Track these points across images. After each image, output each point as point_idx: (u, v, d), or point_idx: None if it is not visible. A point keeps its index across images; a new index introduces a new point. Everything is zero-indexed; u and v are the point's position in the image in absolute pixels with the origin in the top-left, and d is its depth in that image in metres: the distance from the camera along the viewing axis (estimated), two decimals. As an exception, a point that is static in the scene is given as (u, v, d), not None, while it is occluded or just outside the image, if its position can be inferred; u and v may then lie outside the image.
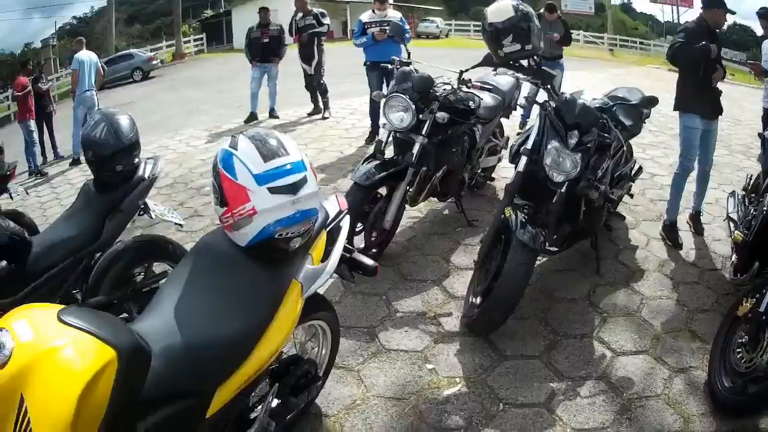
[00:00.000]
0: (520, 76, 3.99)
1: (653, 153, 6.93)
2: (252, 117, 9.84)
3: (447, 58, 7.28)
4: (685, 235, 4.65)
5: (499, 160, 5.36)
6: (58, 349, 1.48)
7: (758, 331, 2.76)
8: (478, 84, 4.46)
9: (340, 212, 2.39)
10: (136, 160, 3.34)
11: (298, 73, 9.63)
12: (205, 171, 6.62)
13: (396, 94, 4.08)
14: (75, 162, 9.12)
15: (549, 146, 3.27)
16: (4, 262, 2.81)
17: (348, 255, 2.38)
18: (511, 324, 3.34)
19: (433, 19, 34.94)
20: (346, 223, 2.40)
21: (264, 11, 9.88)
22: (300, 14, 9.35)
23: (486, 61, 3.91)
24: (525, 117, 7.33)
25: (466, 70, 4.39)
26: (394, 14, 7.25)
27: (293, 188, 1.93)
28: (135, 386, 1.61)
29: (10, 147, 5.69)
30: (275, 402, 2.30)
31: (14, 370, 1.44)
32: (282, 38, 9.80)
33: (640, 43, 31.08)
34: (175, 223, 3.71)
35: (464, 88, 4.31)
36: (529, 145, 3.37)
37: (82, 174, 7.92)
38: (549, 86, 3.53)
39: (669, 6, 35.06)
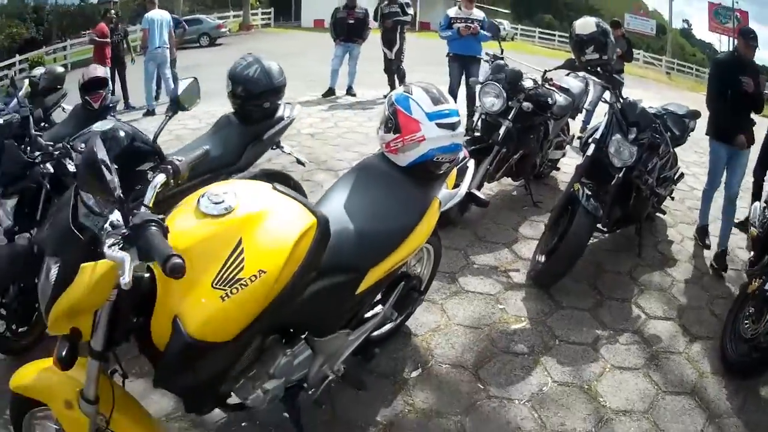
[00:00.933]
0: (595, 79, 4.77)
1: (695, 170, 7.39)
2: (330, 92, 10.42)
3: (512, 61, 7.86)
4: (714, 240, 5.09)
5: (564, 154, 6.06)
6: (275, 208, 1.90)
7: (762, 305, 3.39)
8: (557, 84, 5.17)
9: (465, 157, 3.03)
10: (279, 101, 3.88)
11: (376, 58, 10.21)
12: (291, 134, 7.28)
13: (491, 82, 4.81)
14: (148, 113, 9.63)
15: (613, 138, 4.00)
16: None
17: (468, 190, 3.05)
18: (567, 283, 4.02)
19: (501, 21, 34.68)
20: (471, 165, 3.11)
21: None
22: (386, 2, 9.91)
23: (567, 65, 4.83)
24: (585, 123, 7.79)
25: (550, 71, 5.16)
26: (478, 13, 7.74)
27: (452, 126, 2.62)
28: (320, 252, 2.01)
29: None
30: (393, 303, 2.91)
31: (238, 218, 1.81)
32: (366, 21, 10.22)
33: (696, 69, 31.04)
34: (300, 162, 4.22)
35: (546, 86, 5.02)
36: (597, 135, 4.13)
37: (152, 124, 8.43)
38: (617, 91, 4.30)
39: (726, 36, 34.87)
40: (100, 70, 5.07)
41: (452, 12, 7.79)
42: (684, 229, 5.41)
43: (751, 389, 3.31)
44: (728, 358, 3.45)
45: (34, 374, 1.97)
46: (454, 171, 2.92)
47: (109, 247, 1.60)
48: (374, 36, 10.39)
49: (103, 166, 1.67)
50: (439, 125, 2.57)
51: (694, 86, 25.22)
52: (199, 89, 3.61)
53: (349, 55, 10.36)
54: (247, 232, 1.80)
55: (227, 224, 1.79)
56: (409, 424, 2.77)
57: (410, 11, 10.03)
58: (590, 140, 4.22)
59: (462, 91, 7.59)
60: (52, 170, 3.20)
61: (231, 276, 1.75)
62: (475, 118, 5.10)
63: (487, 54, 5.69)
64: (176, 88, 3.54)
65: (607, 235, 4.67)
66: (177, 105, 3.47)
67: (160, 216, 1.66)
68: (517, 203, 5.50)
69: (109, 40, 10.55)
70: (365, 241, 2.27)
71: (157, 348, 1.85)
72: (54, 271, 1.75)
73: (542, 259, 4.09)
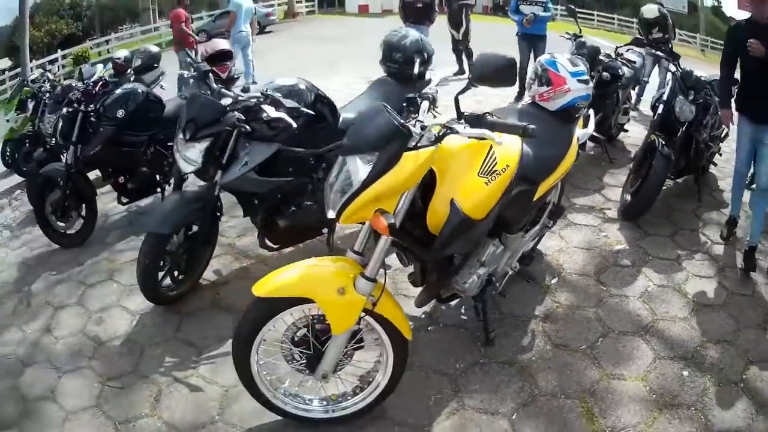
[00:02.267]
0: (660, 53, 5.80)
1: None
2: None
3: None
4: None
5: (629, 120, 6.81)
6: (495, 139, 2.31)
7: None
8: (626, 58, 6.03)
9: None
10: (430, 68, 4.42)
11: (443, 38, 10.61)
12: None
13: (576, 56, 5.57)
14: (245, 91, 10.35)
15: (677, 99, 4.83)
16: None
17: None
18: (648, 218, 4.85)
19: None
20: (591, 113, 3.99)
21: None
22: None
23: (635, 42, 5.85)
24: (639, 95, 8.23)
25: (620, 47, 6.12)
26: None
27: (587, 82, 3.55)
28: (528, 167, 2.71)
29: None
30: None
31: (483, 142, 2.36)
32: (433, 4, 10.39)
33: (730, 47, 30.59)
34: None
35: (619, 60, 5.85)
36: (664, 98, 4.95)
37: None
38: (677, 62, 5.17)
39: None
40: (223, 43, 5.80)
41: None
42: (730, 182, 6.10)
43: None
44: None
45: (292, 276, 2.33)
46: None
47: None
48: (440, 19, 10.82)
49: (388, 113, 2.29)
50: (579, 80, 3.47)
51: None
52: None
53: None
54: (493, 143, 2.39)
55: (484, 143, 2.44)
56: (560, 316, 3.57)
57: None
58: (658, 102, 5.01)
59: (531, 68, 8.20)
60: (243, 117, 3.50)
61: (490, 168, 2.44)
62: None
63: (567, 33, 6.49)
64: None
65: (673, 182, 5.46)
66: None
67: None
68: (596, 159, 6.25)
69: (187, 20, 11.09)
70: (538, 161, 2.83)
71: (423, 233, 2.46)
72: (359, 166, 2.20)
73: (628, 198, 4.88)
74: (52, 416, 3.12)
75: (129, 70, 7.92)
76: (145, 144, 5.05)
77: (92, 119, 4.88)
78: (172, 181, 5.27)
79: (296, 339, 2.48)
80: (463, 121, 2.36)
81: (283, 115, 3.32)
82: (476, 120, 2.30)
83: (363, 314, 2.34)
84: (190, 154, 3.50)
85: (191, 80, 4.66)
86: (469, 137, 2.31)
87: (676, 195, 5.56)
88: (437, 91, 3.51)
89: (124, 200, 5.23)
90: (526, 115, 3.35)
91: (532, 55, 8.36)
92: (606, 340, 3.30)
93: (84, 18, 32.78)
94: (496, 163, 2.47)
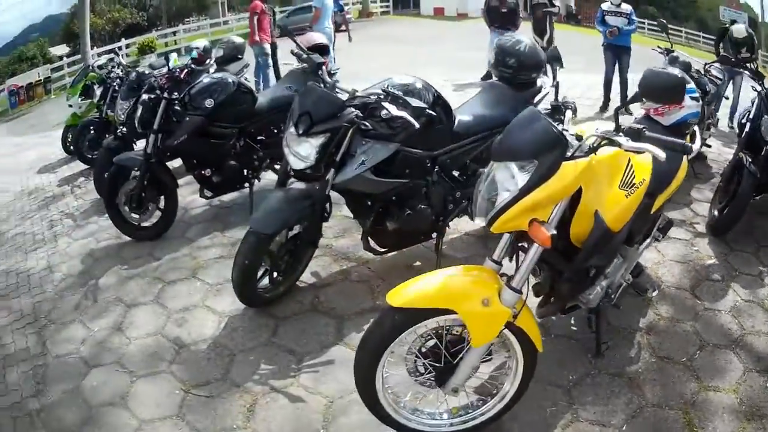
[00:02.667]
0: (747, 72, 6.07)
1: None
2: (488, 75, 10.91)
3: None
4: None
5: (710, 135, 6.76)
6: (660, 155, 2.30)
7: None
8: (713, 74, 6.42)
9: None
10: (541, 74, 4.50)
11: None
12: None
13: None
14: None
15: (764, 117, 4.82)
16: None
17: None
18: (734, 234, 4.76)
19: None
20: (696, 129, 4.14)
21: None
22: None
23: (723, 59, 6.58)
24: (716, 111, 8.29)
25: (709, 64, 6.56)
26: (626, 7, 8.71)
27: (698, 99, 4.11)
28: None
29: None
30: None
31: (623, 154, 2.49)
32: (517, 10, 10.87)
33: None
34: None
35: (706, 77, 6.20)
36: (751, 116, 4.99)
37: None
38: (762, 82, 5.20)
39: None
40: (319, 37, 5.81)
41: (605, 5, 8.87)
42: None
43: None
44: None
45: (432, 285, 2.36)
46: None
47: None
48: (524, 25, 11.08)
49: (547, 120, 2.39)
50: (691, 98, 3.87)
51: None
52: None
53: None
54: (632, 156, 2.56)
55: (620, 154, 2.52)
56: (662, 328, 3.63)
57: (557, 2, 10.81)
58: (744, 120, 5.16)
59: (616, 78, 8.84)
60: (360, 114, 3.54)
61: (629, 181, 2.56)
62: None
63: (659, 48, 6.80)
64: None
65: (757, 198, 5.28)
66: None
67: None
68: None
69: (263, 13, 11.25)
70: (656, 174, 2.84)
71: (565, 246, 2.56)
72: (515, 173, 2.27)
73: (716, 213, 4.87)
74: (121, 424, 3.09)
75: (208, 60, 8.20)
76: (235, 137, 5.11)
77: (176, 108, 4.96)
78: (260, 176, 5.41)
79: (424, 350, 2.52)
80: (622, 133, 2.39)
81: (405, 114, 3.35)
82: (636, 134, 2.34)
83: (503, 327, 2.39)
84: (302, 150, 3.51)
85: (300, 72, 4.69)
86: (629, 150, 2.35)
87: (758, 212, 5.42)
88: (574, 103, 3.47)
89: (208, 194, 5.27)
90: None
91: (616, 66, 8.85)
92: (702, 353, 3.43)
93: (149, 8, 34.03)
94: (634, 177, 2.60)
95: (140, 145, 6.69)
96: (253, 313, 3.85)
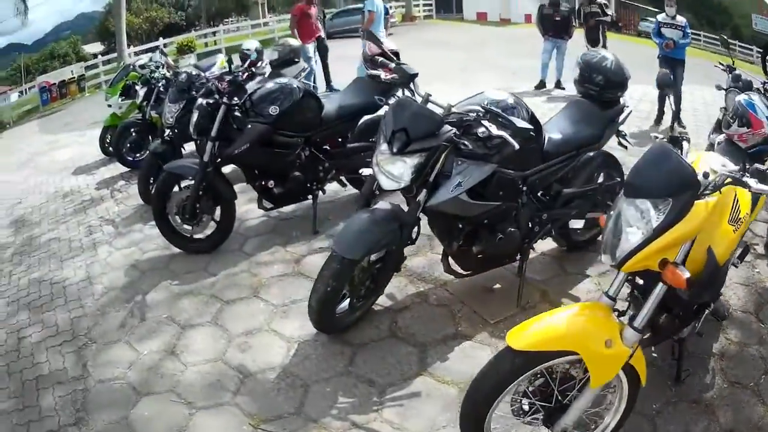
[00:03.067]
0: None
1: None
2: (541, 84, 11.45)
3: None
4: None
5: None
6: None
7: None
8: None
9: None
10: (625, 93, 4.36)
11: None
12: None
13: (734, 89, 5.94)
14: None
15: None
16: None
17: None
18: None
19: (653, 19, 35.25)
20: None
21: None
22: (586, 2, 11.13)
23: None
24: None
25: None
26: (680, 19, 8.87)
27: None
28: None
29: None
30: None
31: (731, 189, 2.51)
32: (571, 19, 11.35)
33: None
34: (624, 146, 4.50)
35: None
36: None
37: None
38: None
39: None
40: (389, 43, 5.56)
41: (661, 17, 9.05)
42: None
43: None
44: None
45: (555, 326, 2.38)
46: None
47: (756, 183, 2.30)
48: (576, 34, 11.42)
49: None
50: None
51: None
52: None
53: (557, 51, 11.41)
54: (738, 191, 2.58)
55: (728, 192, 2.49)
56: (732, 353, 3.52)
57: (609, 11, 11.18)
58: None
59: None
60: (457, 131, 3.38)
61: (735, 216, 2.59)
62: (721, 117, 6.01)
63: (721, 64, 6.75)
64: None
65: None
66: None
67: None
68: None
69: (308, 14, 11.16)
70: None
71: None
72: (650, 212, 2.28)
73: None
74: (181, 464, 2.85)
75: (260, 63, 8.06)
76: (300, 146, 4.92)
77: (236, 114, 4.76)
78: (325, 188, 5.26)
79: (531, 389, 2.49)
80: (748, 174, 2.42)
81: (504, 133, 3.22)
82: (762, 175, 2.40)
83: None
84: (395, 170, 3.32)
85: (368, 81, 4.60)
86: (757, 191, 2.38)
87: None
88: (687, 133, 3.51)
89: (268, 205, 5.07)
90: (728, 154, 3.39)
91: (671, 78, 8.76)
92: (766, 377, 3.37)
93: (188, 8, 34.53)
94: (739, 211, 2.63)
95: (188, 148, 6.60)
96: (326, 340, 3.65)
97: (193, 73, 6.49)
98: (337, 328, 3.66)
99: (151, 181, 5.95)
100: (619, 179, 4.36)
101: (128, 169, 7.90)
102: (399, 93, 5.07)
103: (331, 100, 5.28)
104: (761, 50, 7.31)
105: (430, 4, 33.74)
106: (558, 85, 11.45)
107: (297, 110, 4.78)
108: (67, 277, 4.99)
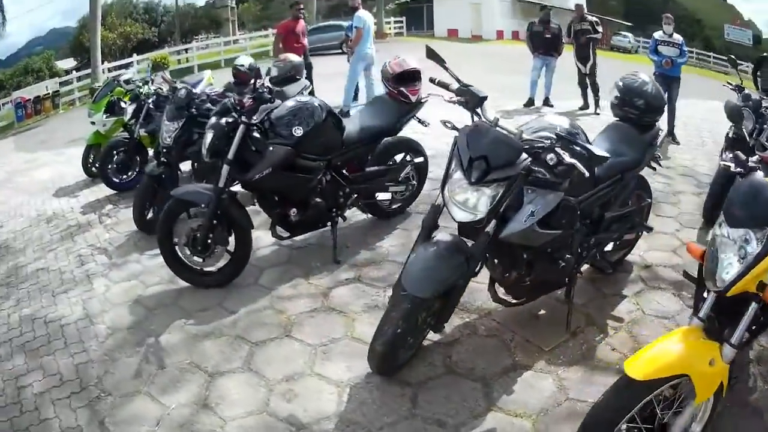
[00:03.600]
0: None
1: None
2: (530, 102, 11.39)
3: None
4: None
5: None
6: None
7: None
8: None
9: None
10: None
11: (565, 71, 11.06)
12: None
13: (745, 108, 5.63)
14: (344, 114, 9.69)
15: None
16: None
17: None
18: None
19: (626, 34, 37.17)
20: None
21: (544, 9, 11.53)
22: (577, 19, 11.02)
23: None
24: None
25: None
26: (677, 37, 8.97)
27: None
28: None
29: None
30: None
31: None
32: (560, 36, 11.25)
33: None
34: (653, 168, 4.39)
35: None
36: None
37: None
38: None
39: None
40: (412, 61, 5.21)
41: (657, 35, 9.12)
42: None
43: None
44: None
45: (668, 352, 2.47)
46: None
47: None
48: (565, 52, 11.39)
49: None
50: None
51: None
52: None
53: (546, 68, 11.34)
54: None
55: None
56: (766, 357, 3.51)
57: (600, 29, 11.10)
58: None
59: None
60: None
61: None
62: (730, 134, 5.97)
63: (729, 83, 6.51)
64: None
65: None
66: None
67: None
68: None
69: (294, 32, 10.82)
70: None
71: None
72: (743, 241, 2.40)
73: None
74: None
75: (252, 80, 7.57)
76: (322, 170, 4.54)
77: (254, 134, 4.34)
78: (345, 214, 4.94)
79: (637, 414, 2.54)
80: None
81: (575, 161, 3.04)
82: None
83: None
84: (472, 200, 3.10)
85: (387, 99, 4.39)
86: None
87: None
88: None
89: (283, 233, 4.67)
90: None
91: (666, 96, 8.71)
92: None
93: (161, 24, 34.03)
94: None
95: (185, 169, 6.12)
96: (380, 381, 3.32)
97: (192, 90, 6.02)
98: (394, 370, 3.39)
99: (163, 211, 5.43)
100: (649, 200, 4.44)
101: (114, 192, 7.38)
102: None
103: (352, 120, 4.94)
104: (753, 65, 7.06)
105: (401, 22, 33.86)
106: (546, 102, 11.40)
107: (320, 131, 4.40)
108: (63, 314, 4.45)
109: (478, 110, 3.33)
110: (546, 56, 11.21)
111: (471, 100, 3.38)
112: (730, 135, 5.89)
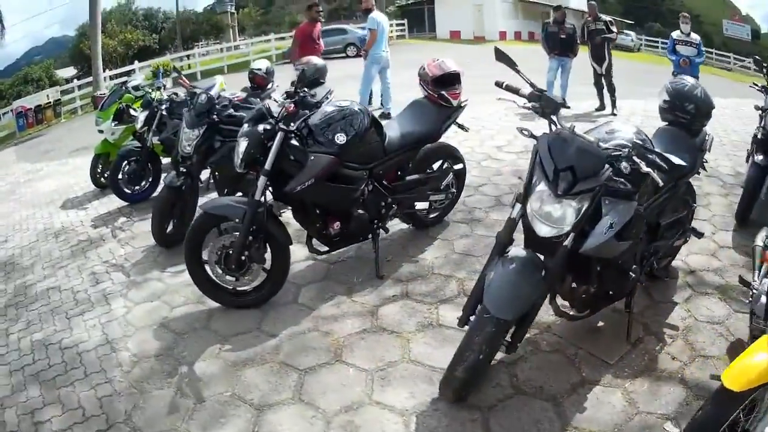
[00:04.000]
0: None
1: None
2: None
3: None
4: None
5: None
6: None
7: None
8: None
9: None
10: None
11: (581, 72, 10.93)
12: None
13: None
14: (385, 117, 9.53)
15: None
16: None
17: None
18: None
19: (629, 32, 36.80)
20: None
21: (559, 10, 11.13)
22: (591, 20, 10.96)
23: None
24: None
25: None
26: (695, 36, 9.20)
27: None
28: None
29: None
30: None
31: None
32: (575, 37, 11.01)
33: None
34: (698, 172, 4.26)
35: None
36: None
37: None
38: None
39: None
40: (452, 63, 4.94)
41: (675, 34, 9.43)
42: None
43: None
44: None
45: (759, 363, 2.36)
46: None
47: None
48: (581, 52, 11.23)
49: None
50: None
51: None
52: None
53: (561, 69, 11.08)
54: None
55: None
56: None
57: (614, 29, 11.01)
58: None
59: None
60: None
61: None
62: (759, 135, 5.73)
63: (755, 84, 6.35)
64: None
65: None
66: None
67: None
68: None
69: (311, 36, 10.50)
70: None
71: None
72: None
73: None
74: None
75: (270, 84, 7.40)
76: (365, 180, 4.22)
77: (292, 142, 3.99)
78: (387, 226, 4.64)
79: None
80: None
81: (651, 171, 2.94)
82: None
83: None
84: (558, 213, 2.93)
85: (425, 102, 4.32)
86: None
87: None
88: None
89: (321, 248, 4.33)
90: None
91: None
92: None
93: (161, 30, 33.92)
94: None
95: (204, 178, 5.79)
96: (447, 407, 3.07)
97: (211, 95, 5.63)
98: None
99: (191, 226, 5.08)
100: (695, 205, 4.33)
101: (126, 203, 7.02)
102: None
103: (392, 126, 4.62)
104: (766, 64, 6.83)
105: (403, 24, 33.81)
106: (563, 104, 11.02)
107: (363, 138, 4.10)
108: (81, 339, 4.05)
109: (554, 117, 3.13)
110: (562, 57, 10.97)
111: (547, 105, 3.17)
112: (759, 136, 5.71)
